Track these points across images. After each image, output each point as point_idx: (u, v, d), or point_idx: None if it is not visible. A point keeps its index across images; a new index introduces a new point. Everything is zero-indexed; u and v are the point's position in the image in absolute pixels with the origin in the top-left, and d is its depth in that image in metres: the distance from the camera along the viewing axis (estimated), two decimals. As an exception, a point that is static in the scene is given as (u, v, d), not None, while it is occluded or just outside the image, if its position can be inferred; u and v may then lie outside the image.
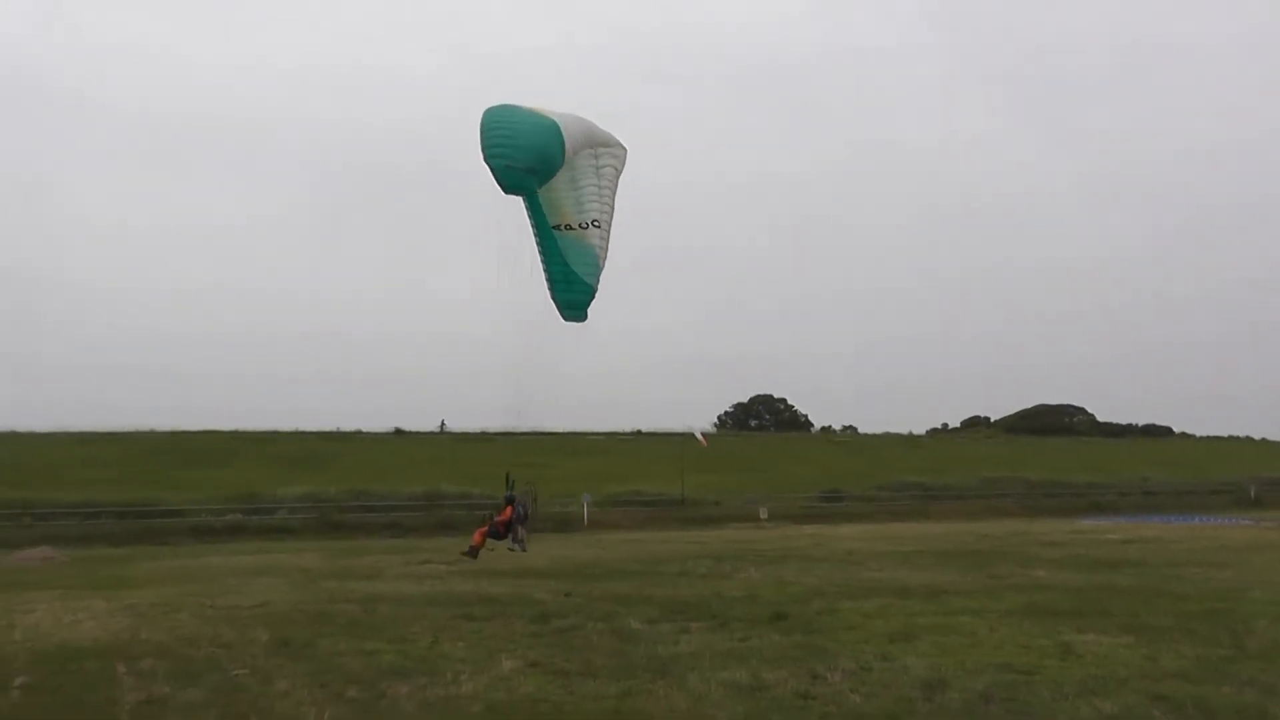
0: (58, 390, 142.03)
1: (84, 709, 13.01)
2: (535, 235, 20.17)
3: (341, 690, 13.80)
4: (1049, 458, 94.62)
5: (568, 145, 17.46)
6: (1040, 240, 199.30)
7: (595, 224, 20.33)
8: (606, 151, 20.41)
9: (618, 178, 20.61)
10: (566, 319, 21.01)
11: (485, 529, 32.24)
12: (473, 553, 31.18)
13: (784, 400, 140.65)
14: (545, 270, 20.44)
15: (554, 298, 20.66)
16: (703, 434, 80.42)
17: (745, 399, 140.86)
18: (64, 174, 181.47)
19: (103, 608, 23.29)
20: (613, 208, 20.68)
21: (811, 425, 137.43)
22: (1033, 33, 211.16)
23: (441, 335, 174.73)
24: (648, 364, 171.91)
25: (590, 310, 20.74)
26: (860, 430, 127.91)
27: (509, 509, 32.21)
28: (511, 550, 32.03)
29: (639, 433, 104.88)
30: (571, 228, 20.22)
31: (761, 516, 61.53)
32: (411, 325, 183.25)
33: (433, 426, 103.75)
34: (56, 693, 14.12)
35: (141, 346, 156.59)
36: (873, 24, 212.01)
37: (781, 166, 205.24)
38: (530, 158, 16.91)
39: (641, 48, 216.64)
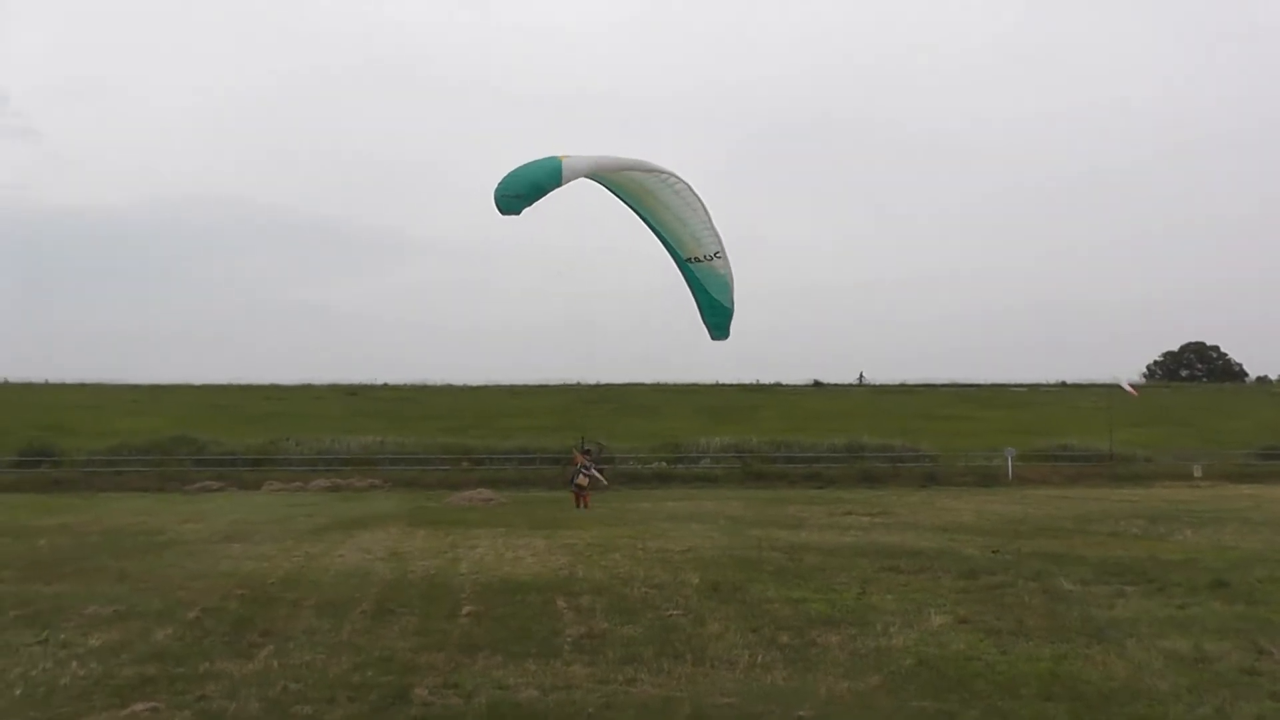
0: (490, 350, 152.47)
1: (528, 639, 13.59)
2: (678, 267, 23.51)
3: (773, 636, 13.80)
4: None
5: (566, 175, 19.78)
6: None
7: (717, 255, 23.06)
8: (664, 177, 22.30)
9: (695, 195, 22.53)
10: (714, 339, 24.12)
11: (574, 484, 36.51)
12: (580, 504, 36.44)
13: (1216, 348, 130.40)
14: (694, 297, 23.77)
15: (703, 320, 23.93)
16: (1130, 384, 75.62)
17: (1175, 347, 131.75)
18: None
19: (541, 546, 24.65)
20: (717, 233, 23.05)
21: (1246, 375, 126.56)
22: None
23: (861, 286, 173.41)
24: (1073, 312, 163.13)
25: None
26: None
27: (579, 456, 34.31)
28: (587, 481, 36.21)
29: (1064, 384, 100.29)
30: (699, 260, 23.07)
31: (1195, 474, 57.37)
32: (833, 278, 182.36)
33: (851, 379, 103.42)
34: (502, 621, 14.89)
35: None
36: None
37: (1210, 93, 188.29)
38: (520, 188, 19.53)
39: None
